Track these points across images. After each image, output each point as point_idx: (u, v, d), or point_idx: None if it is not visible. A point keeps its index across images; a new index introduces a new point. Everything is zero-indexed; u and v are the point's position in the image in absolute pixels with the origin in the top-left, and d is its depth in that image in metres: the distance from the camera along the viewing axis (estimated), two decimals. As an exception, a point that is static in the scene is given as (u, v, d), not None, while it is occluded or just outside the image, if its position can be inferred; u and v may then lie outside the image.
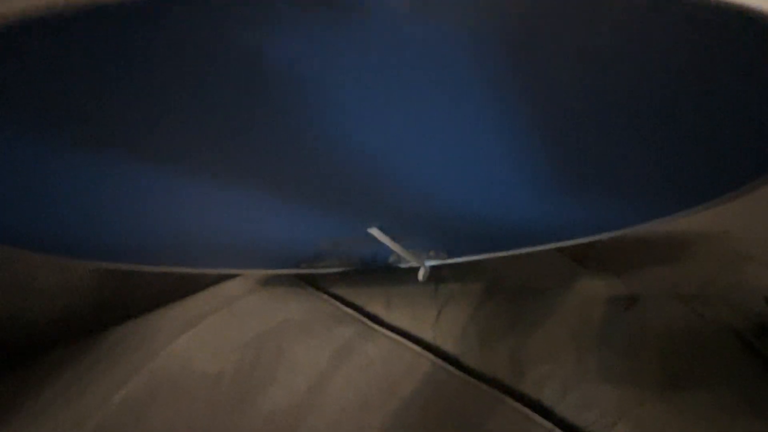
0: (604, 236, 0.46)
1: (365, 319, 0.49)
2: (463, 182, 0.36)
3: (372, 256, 0.51)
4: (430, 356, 0.44)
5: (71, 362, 0.47)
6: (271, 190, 0.34)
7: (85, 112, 0.23)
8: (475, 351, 0.45)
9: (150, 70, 0.21)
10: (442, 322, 0.48)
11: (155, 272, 0.47)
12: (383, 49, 0.21)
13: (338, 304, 0.51)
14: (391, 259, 0.52)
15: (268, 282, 0.54)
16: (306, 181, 0.34)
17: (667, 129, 0.29)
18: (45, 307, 0.50)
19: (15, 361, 0.48)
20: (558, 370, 0.43)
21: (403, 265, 0.52)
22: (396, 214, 0.40)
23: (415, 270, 0.50)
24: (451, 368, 0.43)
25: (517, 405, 0.40)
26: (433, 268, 0.51)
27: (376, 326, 0.48)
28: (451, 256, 0.52)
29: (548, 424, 0.39)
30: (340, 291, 0.53)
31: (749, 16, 0.19)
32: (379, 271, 0.53)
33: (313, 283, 0.55)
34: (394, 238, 0.43)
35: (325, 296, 0.52)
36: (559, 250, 0.56)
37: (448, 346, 0.46)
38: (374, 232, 0.42)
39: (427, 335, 0.47)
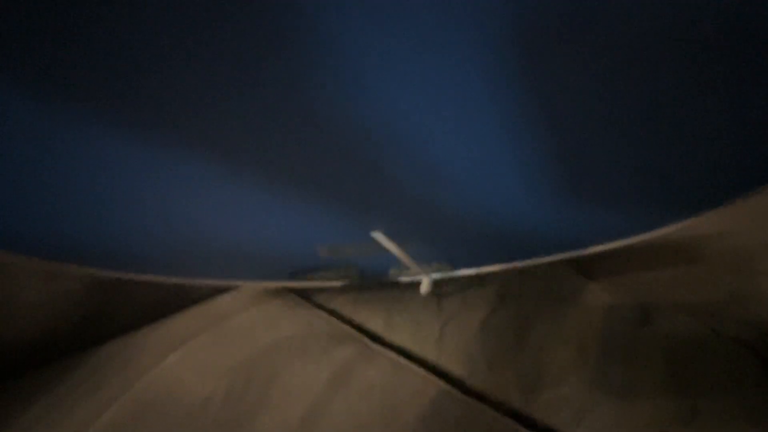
0: (613, 246, 0.45)
1: (365, 338, 0.46)
2: (471, 184, 0.34)
3: (371, 269, 0.49)
4: (435, 379, 0.41)
5: (52, 384, 0.45)
6: (268, 188, 0.32)
7: (82, 89, 0.22)
8: (481, 372, 0.43)
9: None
10: (445, 341, 0.46)
11: (143, 283, 0.44)
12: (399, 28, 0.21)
13: (335, 321, 0.49)
14: (392, 272, 0.49)
15: (260, 298, 0.52)
16: (307, 177, 0.32)
17: (673, 132, 0.29)
18: (28, 322, 0.48)
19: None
20: (571, 394, 0.40)
21: (403, 279, 0.50)
22: (401, 217, 0.38)
23: (416, 285, 0.48)
24: (456, 392, 0.40)
25: (529, 433, 0.38)
26: (434, 283, 0.49)
27: (376, 346, 0.45)
28: (455, 268, 0.49)
29: (563, 454, 0.36)
30: (338, 307, 0.51)
31: None
32: (378, 286, 0.51)
33: (309, 299, 0.52)
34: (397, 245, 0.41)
35: (322, 313, 0.50)
36: (566, 263, 0.54)
37: (453, 366, 0.44)
38: (378, 236, 0.39)
39: (431, 355, 0.45)
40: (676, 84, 0.24)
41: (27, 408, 0.42)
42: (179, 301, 0.52)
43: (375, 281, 0.51)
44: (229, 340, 0.46)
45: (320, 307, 0.52)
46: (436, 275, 0.49)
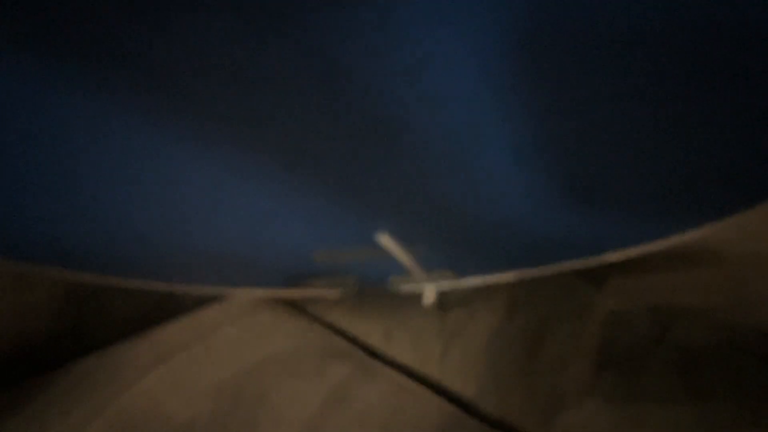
0: (629, 254, 0.45)
1: (362, 354, 0.43)
2: (486, 182, 0.33)
3: (370, 276, 0.46)
4: (439, 401, 0.39)
5: (19, 406, 0.41)
6: (265, 182, 0.30)
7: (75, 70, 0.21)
8: (490, 393, 0.40)
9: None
10: (450, 358, 0.43)
11: (122, 293, 0.43)
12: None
13: (331, 335, 0.46)
14: (392, 280, 0.46)
15: (250, 310, 0.49)
16: (313, 169, 0.29)
17: (693, 136, 0.29)
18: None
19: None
20: (590, 416, 0.37)
21: (404, 289, 0.47)
22: (410, 217, 0.36)
23: (418, 297, 0.45)
24: (463, 415, 0.38)
25: (544, 461, 0.35)
26: (438, 294, 0.46)
27: (374, 362, 0.43)
28: (461, 276, 0.47)
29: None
30: (333, 320, 0.49)
31: None
32: (377, 297, 0.49)
33: (302, 311, 0.50)
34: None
35: (316, 326, 0.47)
36: (577, 273, 0.51)
37: (459, 386, 0.41)
38: (383, 239, 0.37)
39: (434, 373, 0.42)
40: (695, 88, 0.24)
41: (-6, 431, 0.39)
42: (161, 313, 0.49)
43: (374, 291, 0.48)
44: (214, 356, 0.43)
45: (314, 319, 0.49)
46: (441, 285, 0.47)
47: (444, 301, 0.48)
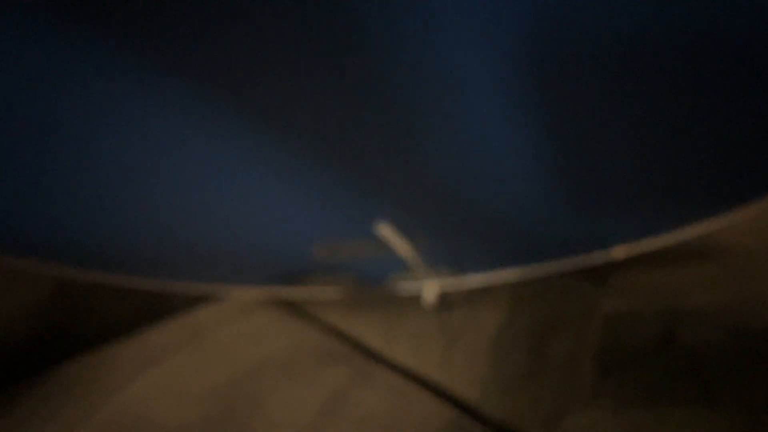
0: (635, 251, 0.45)
1: (361, 357, 0.42)
2: (493, 174, 0.33)
3: (370, 274, 0.45)
4: (440, 405, 0.37)
5: (3, 410, 0.40)
6: (268, 168, 0.29)
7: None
8: (494, 397, 0.38)
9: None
10: (452, 360, 0.42)
11: (111, 293, 0.42)
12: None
13: (328, 337, 0.45)
14: (392, 278, 0.46)
15: (245, 310, 0.48)
16: (316, 152, 0.29)
17: (699, 128, 0.29)
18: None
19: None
20: (594, 422, 0.36)
21: (404, 288, 0.47)
22: (413, 205, 0.36)
23: (417, 298, 0.45)
24: (466, 420, 0.36)
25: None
26: (439, 294, 0.45)
27: (373, 365, 0.41)
28: (463, 273, 0.46)
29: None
30: (331, 321, 0.47)
31: None
32: (376, 296, 0.48)
33: (299, 311, 0.49)
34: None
35: (313, 327, 0.46)
36: (581, 273, 0.50)
37: (461, 390, 0.39)
38: (385, 229, 0.36)
39: (435, 376, 0.41)
40: (699, 87, 0.25)
41: (-26, 439, 0.38)
42: (152, 314, 0.47)
43: (373, 290, 0.47)
44: (207, 359, 0.42)
45: (311, 321, 0.47)
46: (442, 282, 0.46)
47: (444, 302, 0.47)
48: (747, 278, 0.53)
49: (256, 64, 0.22)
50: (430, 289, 0.45)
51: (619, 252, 0.46)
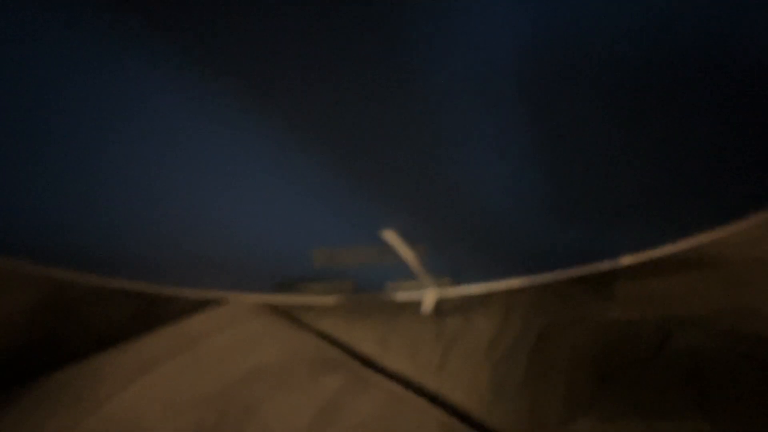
0: (635, 260, 0.45)
1: (357, 364, 0.41)
2: (487, 187, 0.33)
3: (367, 281, 0.45)
4: (437, 412, 0.37)
5: None
6: (270, 175, 0.29)
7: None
8: (490, 404, 0.38)
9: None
10: (448, 367, 0.41)
11: (103, 300, 0.42)
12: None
13: (324, 344, 0.44)
14: (389, 285, 0.45)
15: (239, 317, 0.47)
16: (325, 156, 0.28)
17: (700, 141, 0.29)
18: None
19: None
20: (593, 429, 0.35)
21: (401, 296, 0.46)
22: (418, 214, 0.36)
23: (414, 304, 0.44)
24: (462, 427, 0.36)
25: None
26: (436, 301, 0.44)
27: (369, 373, 0.41)
28: (461, 282, 0.46)
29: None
30: (326, 327, 0.47)
31: None
32: (372, 304, 0.47)
33: (295, 318, 0.48)
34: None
35: (309, 335, 0.46)
36: (579, 280, 0.50)
37: (458, 397, 0.39)
38: (389, 236, 0.36)
39: (432, 383, 0.40)
40: (698, 100, 0.26)
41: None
42: (144, 321, 0.47)
43: (370, 297, 0.47)
44: (200, 366, 0.41)
45: (306, 327, 0.47)
46: (442, 290, 0.46)
47: (441, 308, 0.46)
48: (743, 287, 0.53)
49: (265, 72, 0.22)
50: (429, 296, 0.44)
51: (624, 261, 0.46)
